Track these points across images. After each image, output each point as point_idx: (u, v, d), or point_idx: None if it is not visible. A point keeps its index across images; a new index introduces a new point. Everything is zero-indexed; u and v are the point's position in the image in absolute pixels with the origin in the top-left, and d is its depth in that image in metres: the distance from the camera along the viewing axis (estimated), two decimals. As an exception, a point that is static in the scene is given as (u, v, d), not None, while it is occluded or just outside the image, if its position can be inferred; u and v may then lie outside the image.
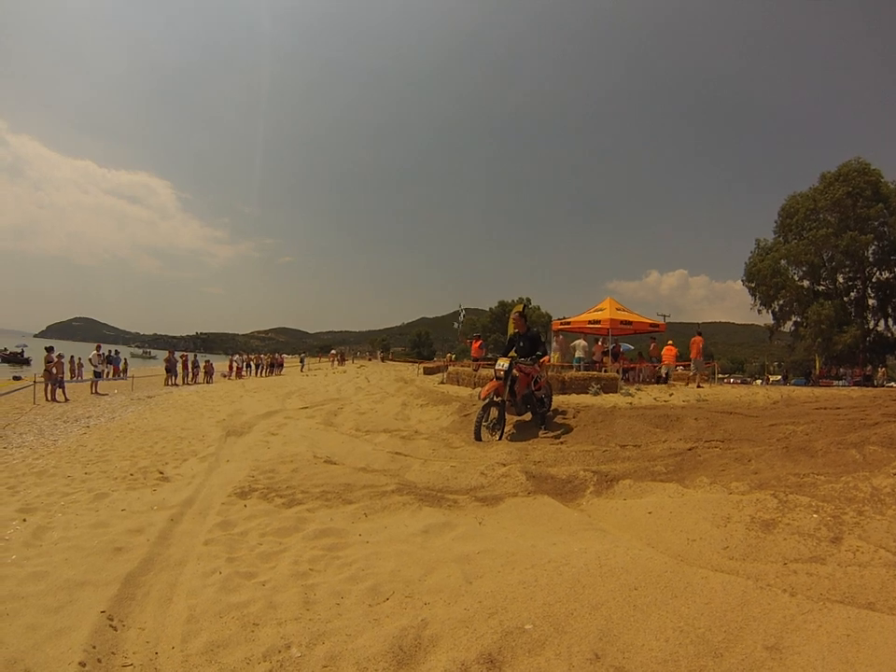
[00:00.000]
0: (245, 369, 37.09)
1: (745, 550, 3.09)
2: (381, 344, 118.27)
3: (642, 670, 2.01)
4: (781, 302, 45.92)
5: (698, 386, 14.55)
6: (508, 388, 8.14)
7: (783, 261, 44.67)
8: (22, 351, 50.77)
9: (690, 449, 5.88)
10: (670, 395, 11.11)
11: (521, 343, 8.69)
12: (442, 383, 16.54)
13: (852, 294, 44.47)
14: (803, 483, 3.92)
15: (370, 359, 62.02)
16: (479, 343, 21.18)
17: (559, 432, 8.09)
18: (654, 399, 10.48)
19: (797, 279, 45.17)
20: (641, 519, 3.86)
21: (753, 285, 46.44)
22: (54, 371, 17.61)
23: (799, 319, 45.22)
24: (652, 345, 19.90)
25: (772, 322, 47.31)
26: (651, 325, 18.63)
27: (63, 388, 17.92)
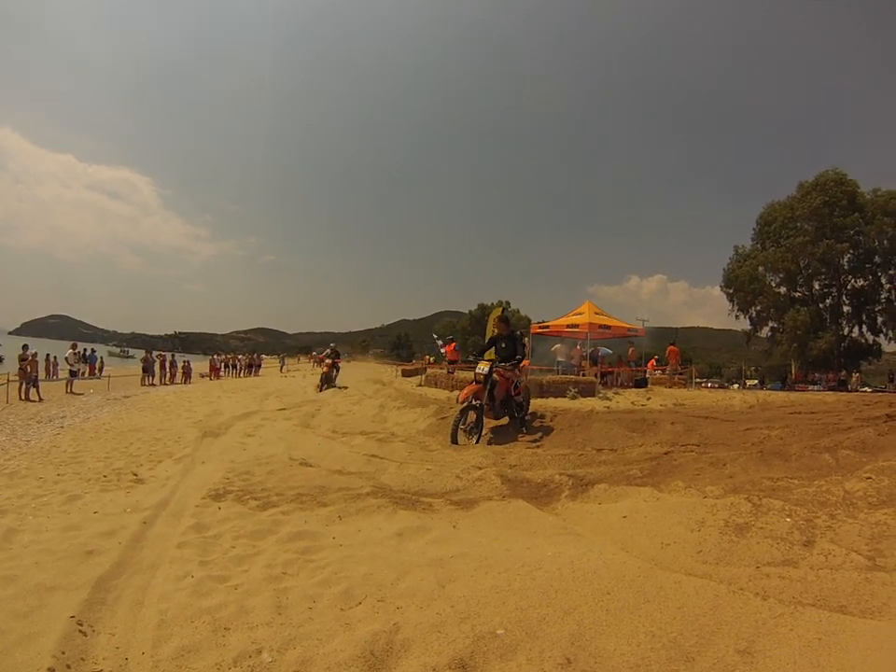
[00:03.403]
0: (223, 369, 36.87)
1: (718, 554, 3.11)
2: (361, 345, 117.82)
3: (613, 675, 2.00)
4: (759, 308, 46.56)
5: (668, 387, 14.74)
6: (487, 392, 8.13)
7: (761, 268, 45.31)
8: None
9: (666, 453, 5.91)
10: (648, 399, 11.19)
11: (503, 345, 8.65)
12: (420, 385, 16.52)
13: (828, 301, 45.14)
14: (776, 487, 3.95)
15: (348, 360, 61.91)
16: (453, 346, 21.16)
17: (537, 436, 8.09)
18: (632, 403, 10.55)
19: (774, 286, 45.83)
20: (616, 523, 3.87)
21: (731, 291, 47.05)
22: (28, 369, 17.33)
23: (776, 325, 45.84)
24: (630, 350, 20.04)
25: (749, 327, 47.97)
26: (630, 329, 18.76)
27: (37, 387, 17.62)
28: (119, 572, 3.38)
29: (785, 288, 45.82)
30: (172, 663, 2.33)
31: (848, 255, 42.37)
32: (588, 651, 2.15)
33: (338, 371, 20.41)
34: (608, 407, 9.71)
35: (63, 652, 2.40)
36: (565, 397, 11.07)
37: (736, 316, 47.94)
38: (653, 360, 19.29)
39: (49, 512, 4.81)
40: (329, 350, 21.75)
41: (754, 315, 47.18)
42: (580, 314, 18.06)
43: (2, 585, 3.14)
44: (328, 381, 18.98)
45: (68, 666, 2.32)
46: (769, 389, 30.13)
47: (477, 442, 7.93)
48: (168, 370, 29.04)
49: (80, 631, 2.62)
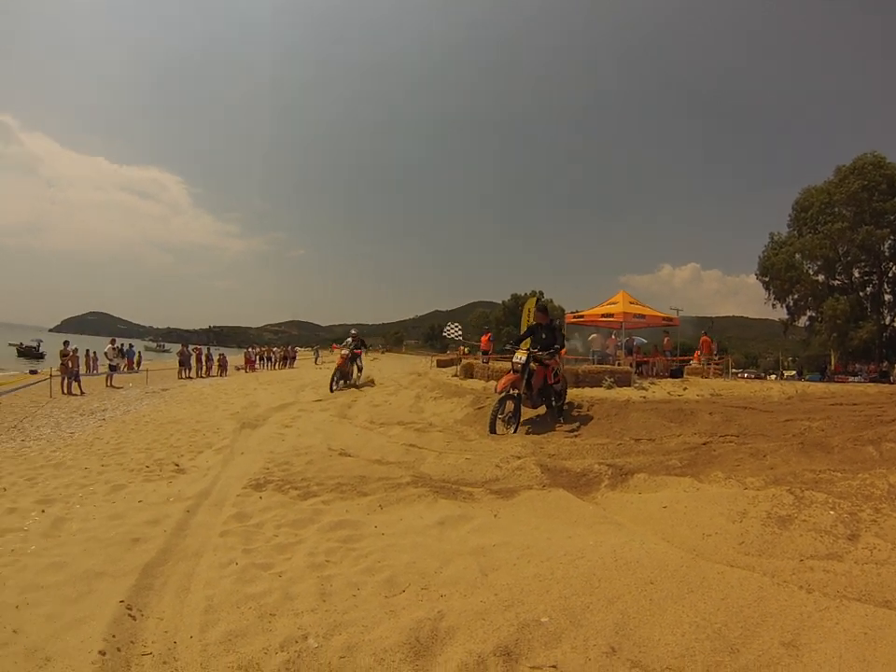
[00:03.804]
0: (258, 362, 37.23)
1: (761, 546, 3.08)
2: (394, 337, 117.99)
3: (658, 665, 2.01)
4: (796, 297, 45.39)
5: (704, 377, 14.52)
6: (525, 381, 8.12)
7: (797, 255, 44.09)
8: (38, 345, 51.32)
9: (704, 444, 5.87)
10: (684, 389, 11.04)
11: (542, 335, 8.60)
12: (456, 375, 16.51)
13: (868, 289, 43.81)
14: (819, 480, 3.90)
15: (382, 352, 62.26)
16: (488, 336, 21.09)
17: (574, 425, 8.06)
18: (668, 393, 10.41)
19: (812, 273, 44.58)
20: (656, 513, 3.86)
21: (767, 279, 45.89)
22: (70, 364, 17.81)
23: (814, 314, 44.69)
24: (665, 339, 19.74)
25: (786, 317, 46.80)
26: (665, 319, 18.50)
27: (78, 382, 18.12)
28: (164, 559, 3.49)
29: (823, 276, 44.59)
30: (220, 646, 2.38)
31: (889, 241, 41.01)
32: (632, 640, 2.16)
33: (360, 366, 16.48)
34: (644, 397, 9.62)
35: (114, 636, 2.48)
36: (600, 386, 10.98)
37: (773, 305, 46.77)
38: (698, 353, 18.98)
39: (95, 501, 4.98)
40: (349, 339, 16.63)
41: (791, 303, 46.03)
42: (614, 303, 17.87)
43: (52, 571, 3.27)
44: (343, 377, 15.35)
45: (119, 649, 2.39)
46: (808, 380, 29.47)
47: (515, 432, 7.92)
48: (204, 363, 29.52)
49: (129, 615, 2.71)
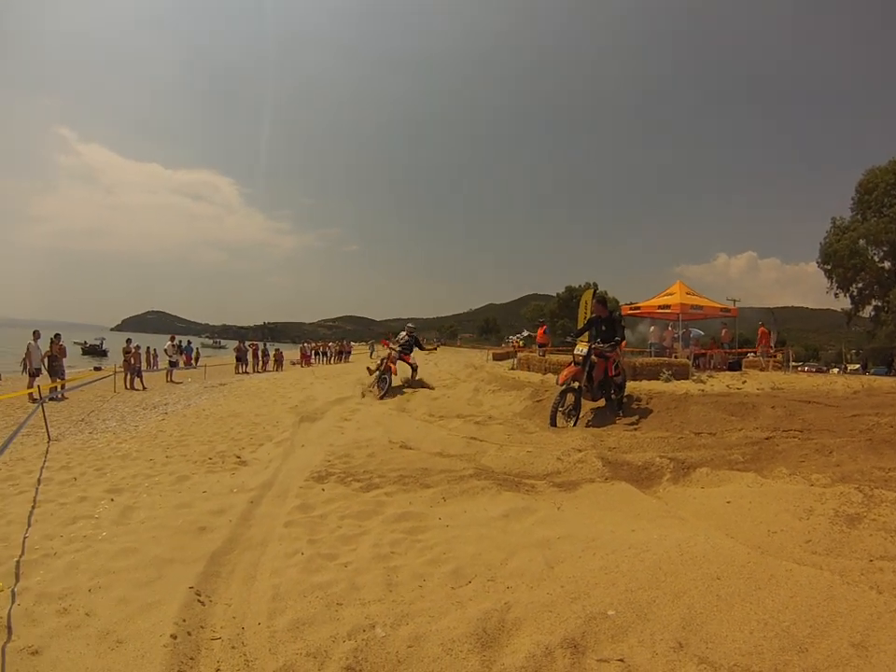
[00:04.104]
0: (313, 357, 37.67)
1: (828, 544, 3.03)
2: (448, 331, 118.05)
3: (726, 662, 2.01)
4: (860, 286, 43.21)
5: (761, 370, 14.11)
6: (585, 374, 8.10)
7: (862, 241, 41.91)
8: (101, 343, 53.80)
9: (767, 438, 5.77)
10: (743, 382, 10.77)
11: (602, 328, 8.55)
12: (513, 368, 16.44)
13: (940, 276, 41.58)
14: (889, 478, 3.83)
15: (437, 346, 62.42)
16: (544, 328, 20.92)
17: (634, 418, 8.02)
18: (727, 386, 10.18)
19: (877, 260, 42.29)
20: (719, 508, 3.83)
21: (829, 267, 43.73)
22: (132, 361, 18.46)
23: (880, 304, 42.49)
24: (724, 331, 19.22)
25: (850, 307, 44.67)
26: (723, 310, 18.01)
27: (140, 377, 18.75)
28: (230, 548, 3.64)
29: (890, 263, 42.35)
30: (287, 633, 2.47)
31: (961, 225, 38.81)
32: (699, 635, 2.17)
33: (414, 364, 14.13)
34: (702, 390, 9.44)
35: (184, 620, 2.61)
36: (658, 379, 10.87)
37: (836, 295, 44.57)
38: (765, 341, 18.39)
39: (161, 491, 5.19)
40: (404, 333, 14.31)
41: (855, 292, 43.82)
42: (671, 294, 17.49)
43: (123, 557, 3.46)
44: (383, 385, 12.65)
45: (189, 633, 2.52)
46: (872, 374, 28.28)
47: (575, 425, 7.96)
48: (261, 358, 30.00)
49: (198, 601, 2.85)
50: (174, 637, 2.45)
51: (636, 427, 7.57)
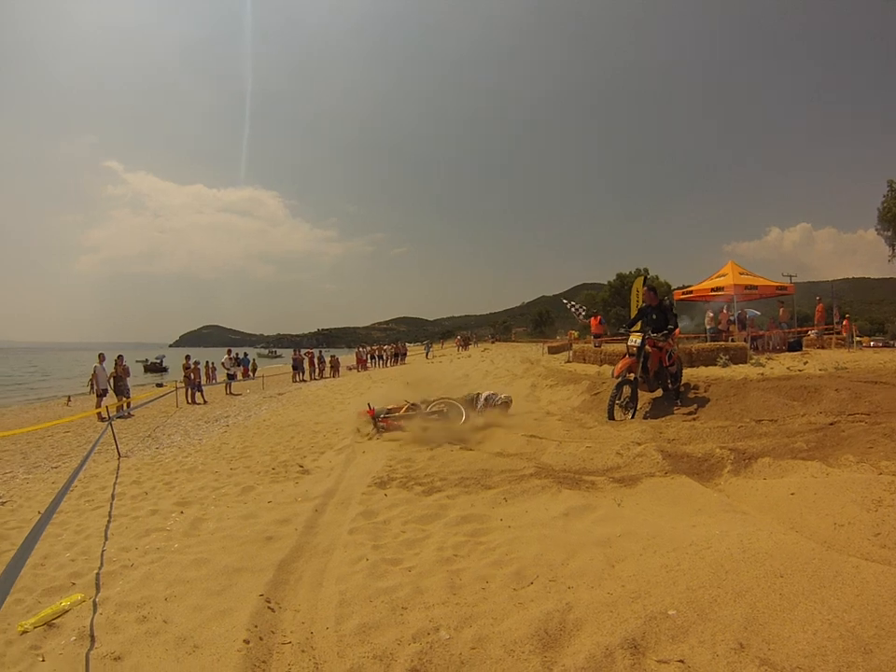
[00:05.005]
0: (369, 360, 37.97)
1: (899, 537, 2.91)
2: (502, 326, 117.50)
3: (788, 663, 1.97)
4: (924, 250, 40.83)
5: (820, 348, 13.58)
6: (640, 365, 8.03)
7: (922, 201, 39.46)
8: (161, 360, 55.87)
9: (832, 424, 5.60)
10: (804, 363, 10.45)
11: (653, 316, 8.43)
12: (568, 361, 16.32)
13: None
14: (966, 465, 3.64)
15: (492, 342, 62.35)
16: (598, 319, 20.63)
17: (692, 408, 7.92)
18: (787, 368, 9.89)
19: (941, 221, 39.84)
20: (783, 500, 3.74)
21: (890, 233, 41.23)
22: (192, 376, 19.09)
23: (948, 268, 39.95)
24: (781, 310, 18.55)
25: (915, 274, 42.09)
26: (779, 288, 17.45)
27: (201, 391, 19.37)
28: (297, 556, 3.76)
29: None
30: (355, 637, 2.55)
31: None
32: (761, 636, 2.12)
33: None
34: (762, 374, 9.21)
35: (256, 626, 2.75)
36: (715, 365, 10.69)
37: (899, 262, 42.24)
38: (847, 320, 17.68)
39: (228, 502, 5.39)
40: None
41: (920, 258, 41.45)
42: (723, 275, 17.07)
43: (195, 567, 3.65)
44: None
45: (261, 638, 2.65)
46: (946, 348, 26.78)
47: (633, 417, 7.91)
48: (317, 365, 30.48)
49: (269, 608, 2.97)
50: (246, 641, 2.58)
51: (694, 416, 7.46)
